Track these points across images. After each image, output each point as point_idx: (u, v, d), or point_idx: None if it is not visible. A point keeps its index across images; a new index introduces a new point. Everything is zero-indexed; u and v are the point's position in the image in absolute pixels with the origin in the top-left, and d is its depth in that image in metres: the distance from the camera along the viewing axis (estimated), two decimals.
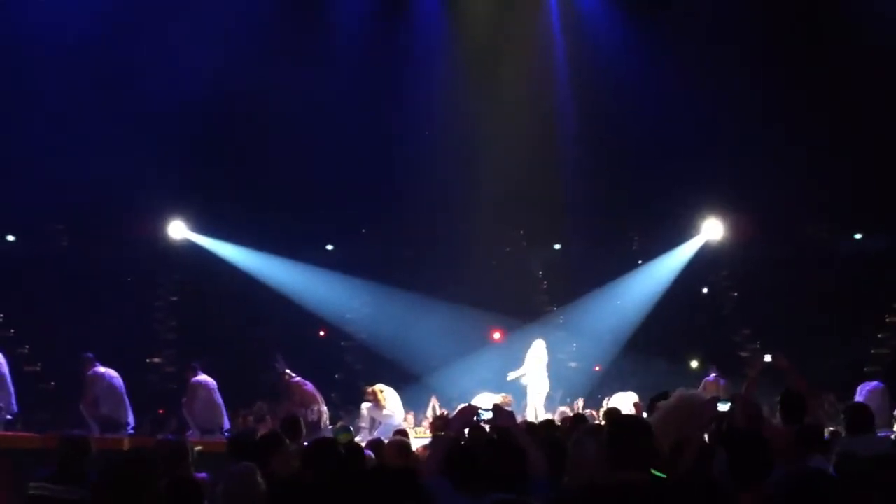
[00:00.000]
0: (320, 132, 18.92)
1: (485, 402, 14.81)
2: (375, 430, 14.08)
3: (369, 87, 19.23)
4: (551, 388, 16.97)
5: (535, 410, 15.81)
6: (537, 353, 16.28)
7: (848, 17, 17.11)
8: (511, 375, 16.30)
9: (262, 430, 11.02)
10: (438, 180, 19.85)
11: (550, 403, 17.30)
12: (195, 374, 13.95)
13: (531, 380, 16.22)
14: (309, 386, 14.81)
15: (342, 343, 21.03)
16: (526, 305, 20.86)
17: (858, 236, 21.01)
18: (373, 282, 20.36)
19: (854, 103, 17.89)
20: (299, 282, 20.14)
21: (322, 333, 21.37)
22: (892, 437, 9.82)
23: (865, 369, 17.53)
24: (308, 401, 14.58)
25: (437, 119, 19.59)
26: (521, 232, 21.95)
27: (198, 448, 8.48)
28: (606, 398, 15.83)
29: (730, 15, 18.10)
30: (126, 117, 17.24)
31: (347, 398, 17.38)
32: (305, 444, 8.96)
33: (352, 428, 12.37)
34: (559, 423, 10.95)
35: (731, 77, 18.59)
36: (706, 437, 6.85)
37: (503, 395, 15.31)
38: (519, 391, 16.23)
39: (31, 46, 16.53)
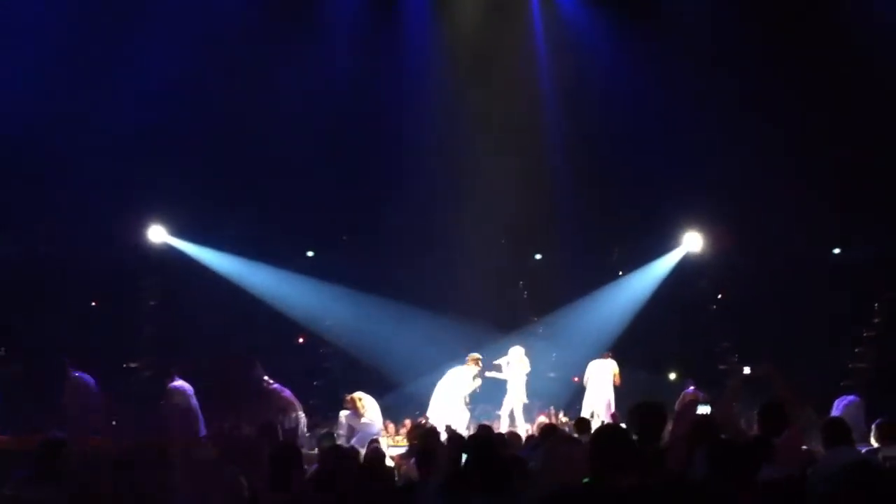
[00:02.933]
0: (303, 138, 18.89)
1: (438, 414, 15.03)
2: (353, 438, 14.06)
3: (352, 95, 19.21)
4: (529, 398, 16.98)
5: (514, 419, 15.79)
6: (515, 360, 16.25)
7: (836, 35, 17.19)
8: (489, 374, 16.24)
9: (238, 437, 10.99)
10: (420, 189, 19.85)
11: (528, 413, 17.31)
12: (172, 380, 13.92)
13: (511, 388, 16.22)
14: (287, 392, 14.80)
15: (321, 350, 20.95)
16: (506, 314, 20.85)
17: (837, 251, 21.14)
18: (352, 289, 20.31)
19: (836, 115, 17.98)
20: (279, 288, 20.09)
21: (301, 340, 21.30)
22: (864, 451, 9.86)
23: (842, 383, 17.63)
24: (286, 407, 14.56)
25: (421, 128, 19.58)
26: (503, 241, 21.92)
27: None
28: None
29: (715, 30, 18.17)
30: (105, 120, 17.14)
31: (326, 405, 17.32)
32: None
33: (336, 435, 12.31)
34: (536, 433, 10.98)
35: (715, 91, 18.67)
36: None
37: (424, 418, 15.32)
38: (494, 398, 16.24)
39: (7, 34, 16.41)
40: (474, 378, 15.86)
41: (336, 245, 21.65)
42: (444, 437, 10.38)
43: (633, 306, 20.18)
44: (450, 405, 15.60)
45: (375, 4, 19.21)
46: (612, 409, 16.07)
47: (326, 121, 18.92)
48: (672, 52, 18.39)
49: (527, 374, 16.29)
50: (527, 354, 16.33)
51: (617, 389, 16.32)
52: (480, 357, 16.01)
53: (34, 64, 16.52)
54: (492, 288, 20.95)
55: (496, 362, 16.39)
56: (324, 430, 13.15)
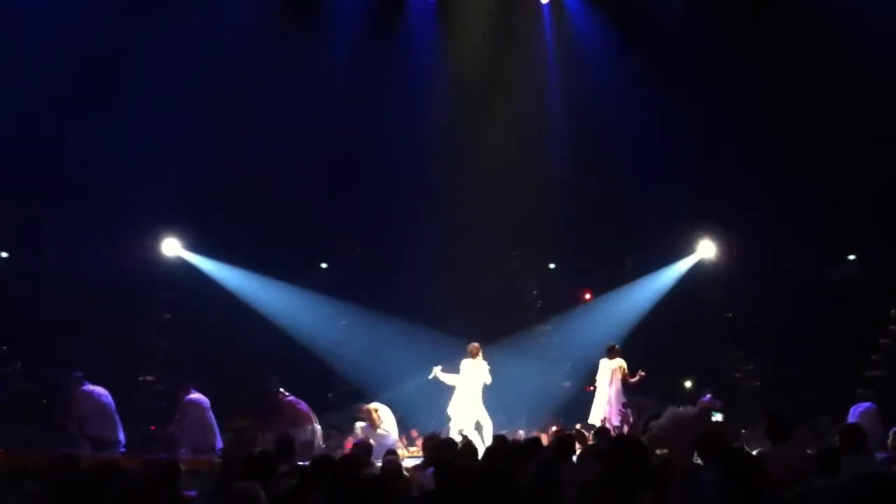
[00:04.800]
0: (313, 151, 18.98)
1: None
2: None
3: (364, 109, 19.26)
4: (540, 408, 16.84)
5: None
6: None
7: (843, 51, 17.17)
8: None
9: (251, 450, 10.94)
10: (431, 202, 19.87)
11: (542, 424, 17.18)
12: (188, 393, 13.88)
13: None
14: (303, 405, 14.79)
15: (335, 362, 20.88)
16: (520, 325, 20.72)
17: (852, 257, 21.02)
18: (364, 305, 20.26)
19: (848, 129, 17.98)
20: (291, 303, 20.05)
21: None
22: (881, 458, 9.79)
23: (859, 391, 17.51)
24: (301, 420, 14.54)
25: (433, 141, 19.62)
26: (515, 252, 21.84)
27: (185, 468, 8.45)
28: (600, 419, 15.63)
29: (724, 46, 18.19)
30: (118, 133, 17.24)
31: (341, 417, 17.24)
32: (300, 463, 8.97)
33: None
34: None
35: (725, 104, 18.70)
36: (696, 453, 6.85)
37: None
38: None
39: (21, 51, 16.51)
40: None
41: (350, 258, 21.61)
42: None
43: (645, 308, 20.09)
44: (476, 401, 15.44)
45: (379, 20, 19.28)
46: (612, 411, 15.42)
47: (337, 135, 19.03)
48: (686, 68, 18.50)
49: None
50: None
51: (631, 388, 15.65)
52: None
53: (49, 75, 16.63)
54: (505, 298, 20.90)
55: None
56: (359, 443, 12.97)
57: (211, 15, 17.77)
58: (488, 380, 15.28)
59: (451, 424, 15.20)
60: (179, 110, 17.35)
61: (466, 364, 15.39)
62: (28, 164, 17.09)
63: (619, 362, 15.66)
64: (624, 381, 15.55)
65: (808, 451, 8.29)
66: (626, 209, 20.12)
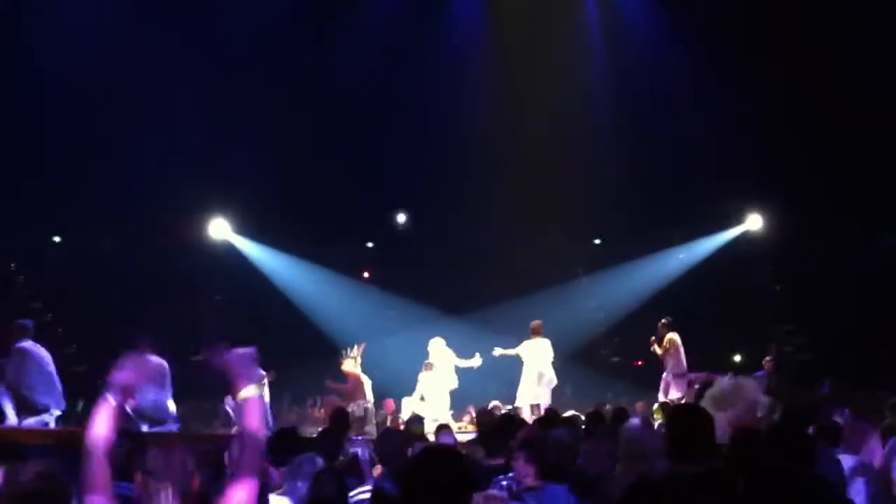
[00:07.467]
0: (355, 121, 19.06)
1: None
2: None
3: (404, 79, 19.30)
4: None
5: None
6: (437, 353, 15.86)
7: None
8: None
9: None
10: (474, 179, 19.82)
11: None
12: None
13: (438, 378, 15.74)
14: (364, 380, 14.98)
15: (384, 341, 20.91)
16: (565, 302, 20.60)
17: None
18: (405, 293, 20.31)
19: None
20: (337, 292, 20.17)
21: None
22: None
23: None
24: (357, 395, 14.70)
25: (472, 114, 19.54)
26: (559, 227, 21.66)
27: None
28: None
29: (772, 10, 17.96)
30: (169, 117, 17.44)
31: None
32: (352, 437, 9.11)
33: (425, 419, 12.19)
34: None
35: (773, 71, 18.47)
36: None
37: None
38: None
39: (69, 30, 16.72)
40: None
41: (392, 234, 21.63)
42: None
43: (687, 278, 20.06)
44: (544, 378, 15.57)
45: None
46: (673, 385, 15.24)
47: (376, 108, 19.07)
48: (733, 38, 18.31)
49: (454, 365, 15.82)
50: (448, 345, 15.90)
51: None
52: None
53: (102, 55, 16.83)
54: (551, 275, 20.82)
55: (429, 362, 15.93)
56: (412, 414, 12.89)
57: None
58: (550, 356, 15.44)
59: (520, 402, 15.28)
60: (225, 95, 17.55)
61: (528, 344, 15.52)
62: (80, 148, 17.35)
63: (670, 336, 15.49)
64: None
65: None
66: (673, 181, 19.87)
